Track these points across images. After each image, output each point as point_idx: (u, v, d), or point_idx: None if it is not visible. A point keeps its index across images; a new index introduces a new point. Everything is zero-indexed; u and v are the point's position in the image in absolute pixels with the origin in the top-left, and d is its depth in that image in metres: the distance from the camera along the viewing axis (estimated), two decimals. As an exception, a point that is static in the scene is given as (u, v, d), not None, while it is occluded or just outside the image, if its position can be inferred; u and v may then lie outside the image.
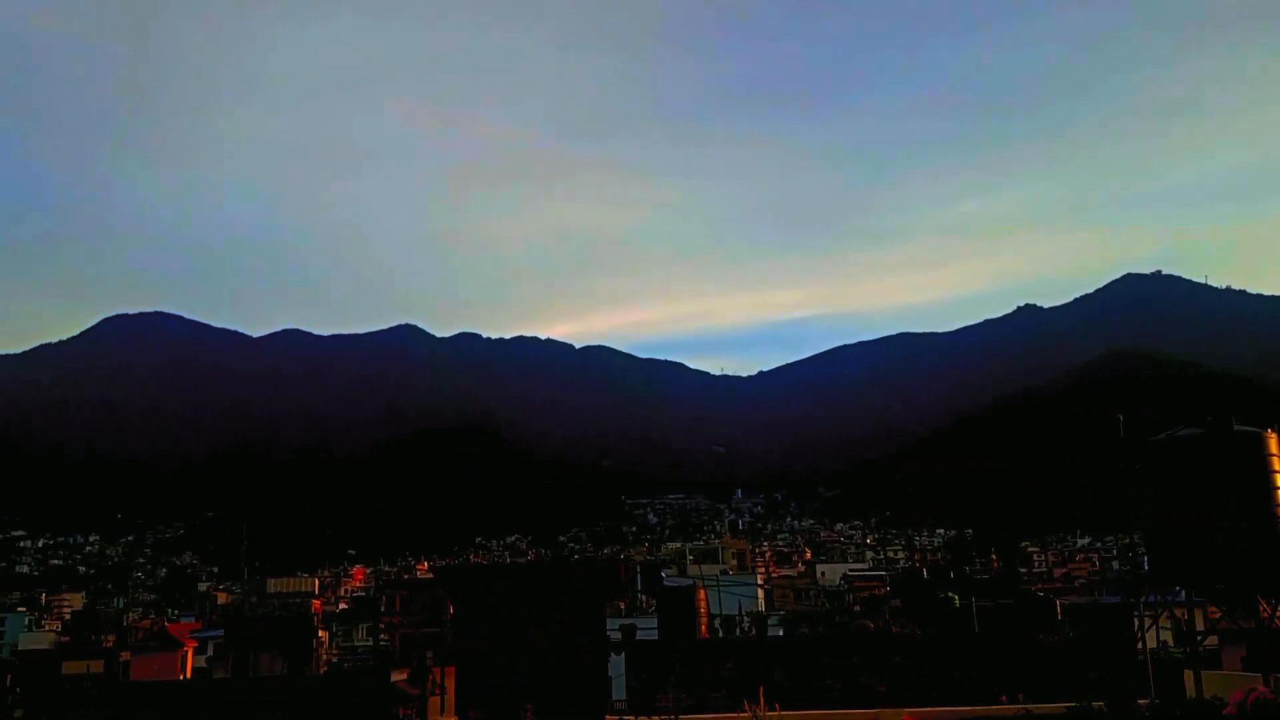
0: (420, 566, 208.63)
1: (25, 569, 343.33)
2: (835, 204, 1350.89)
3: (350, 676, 63.81)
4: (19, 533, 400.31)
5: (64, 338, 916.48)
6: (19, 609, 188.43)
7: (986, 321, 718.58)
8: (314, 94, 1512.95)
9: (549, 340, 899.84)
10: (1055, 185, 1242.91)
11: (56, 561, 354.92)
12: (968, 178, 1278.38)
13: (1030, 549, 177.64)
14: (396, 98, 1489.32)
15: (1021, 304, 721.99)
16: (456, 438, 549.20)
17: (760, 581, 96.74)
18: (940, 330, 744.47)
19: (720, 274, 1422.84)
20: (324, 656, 76.27)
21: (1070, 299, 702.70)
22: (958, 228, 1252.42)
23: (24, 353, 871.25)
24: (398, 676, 56.98)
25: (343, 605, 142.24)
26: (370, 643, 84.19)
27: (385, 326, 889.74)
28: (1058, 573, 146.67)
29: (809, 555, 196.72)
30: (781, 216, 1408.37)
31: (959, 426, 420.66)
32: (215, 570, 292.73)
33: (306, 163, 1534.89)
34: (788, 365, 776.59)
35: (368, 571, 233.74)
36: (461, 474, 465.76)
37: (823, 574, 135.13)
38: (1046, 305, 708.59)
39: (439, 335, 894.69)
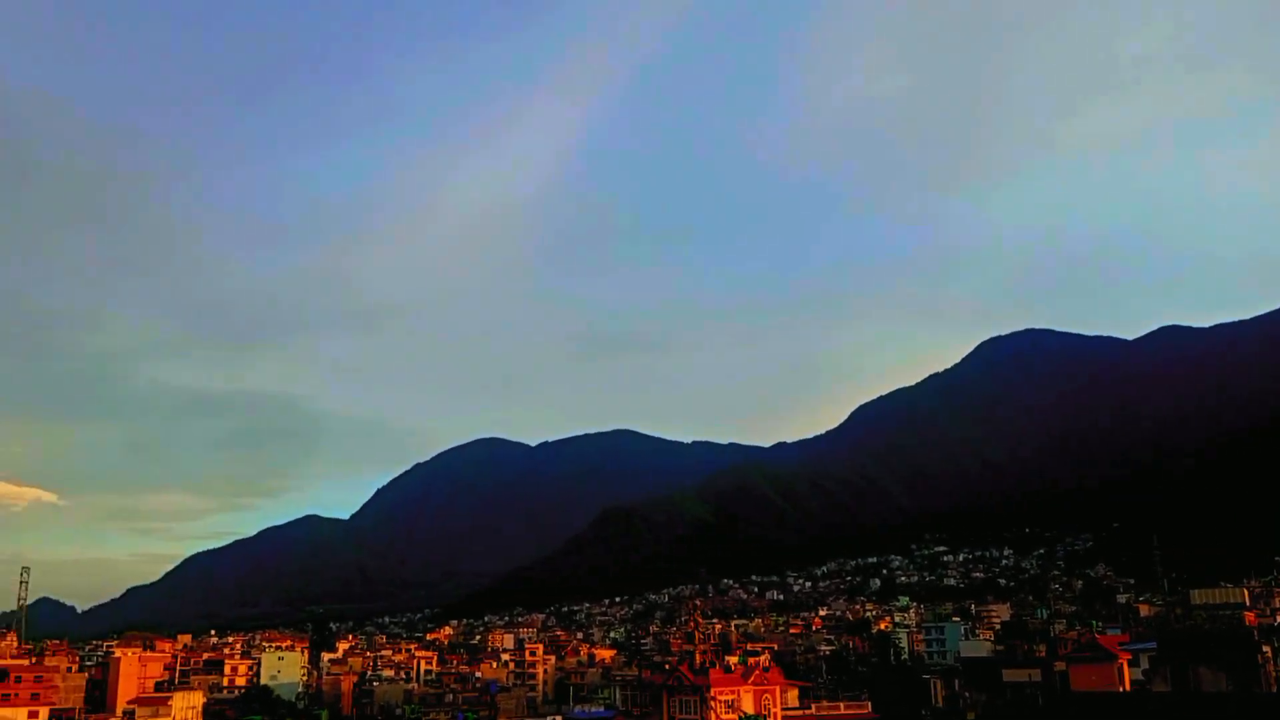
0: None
1: (951, 581, 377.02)
2: None
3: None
4: (941, 548, 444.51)
5: (948, 366, 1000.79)
6: (954, 619, 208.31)
7: None
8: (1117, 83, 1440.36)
9: None
10: None
11: (978, 574, 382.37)
12: None
13: None
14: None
15: None
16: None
17: None
18: None
19: None
20: (1272, 673, 70.00)
21: None
22: None
23: (917, 384, 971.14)
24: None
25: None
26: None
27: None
28: None
29: None
30: None
31: None
32: (1131, 581, 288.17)
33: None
34: None
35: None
36: None
37: None
38: None
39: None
